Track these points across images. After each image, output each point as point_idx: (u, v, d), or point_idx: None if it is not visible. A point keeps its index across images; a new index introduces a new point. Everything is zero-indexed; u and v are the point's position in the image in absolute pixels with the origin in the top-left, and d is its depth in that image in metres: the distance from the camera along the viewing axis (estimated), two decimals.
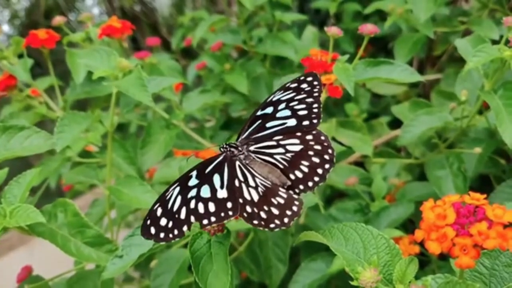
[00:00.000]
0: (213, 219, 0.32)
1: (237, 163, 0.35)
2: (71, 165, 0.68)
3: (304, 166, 0.35)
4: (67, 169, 0.73)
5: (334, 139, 0.64)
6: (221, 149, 0.37)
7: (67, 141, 0.44)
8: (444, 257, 0.57)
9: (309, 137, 0.36)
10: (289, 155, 0.36)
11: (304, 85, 0.37)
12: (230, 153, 0.36)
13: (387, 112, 0.86)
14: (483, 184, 0.69)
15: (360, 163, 0.75)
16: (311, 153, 0.35)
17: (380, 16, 0.97)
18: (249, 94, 0.82)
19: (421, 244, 0.29)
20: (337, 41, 0.93)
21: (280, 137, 0.36)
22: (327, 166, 0.35)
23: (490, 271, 0.34)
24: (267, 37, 0.82)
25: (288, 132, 0.36)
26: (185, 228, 0.31)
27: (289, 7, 0.94)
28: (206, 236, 0.34)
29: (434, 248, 0.28)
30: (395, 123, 0.78)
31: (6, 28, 2.12)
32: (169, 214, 0.31)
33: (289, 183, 0.34)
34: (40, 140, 0.43)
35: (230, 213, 0.32)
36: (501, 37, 0.49)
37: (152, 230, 0.31)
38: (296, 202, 0.33)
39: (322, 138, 0.36)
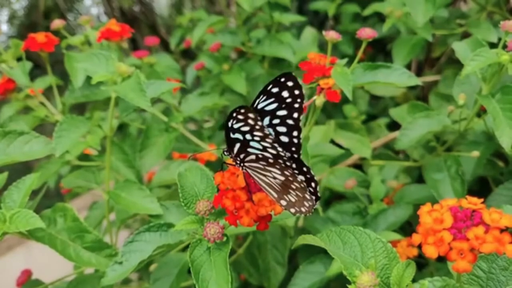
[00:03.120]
0: None
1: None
2: (70, 168, 0.68)
3: (292, 195, 0.33)
4: (67, 170, 0.73)
5: (332, 141, 0.64)
6: (225, 153, 0.35)
7: (66, 146, 0.44)
8: (442, 259, 0.58)
9: (288, 172, 0.32)
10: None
11: (285, 93, 0.32)
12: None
13: (385, 114, 0.87)
14: (482, 186, 0.70)
15: (358, 166, 0.75)
16: (293, 186, 0.32)
17: (379, 17, 0.97)
18: (247, 95, 0.82)
19: (419, 246, 0.30)
20: (336, 43, 0.92)
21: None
22: (308, 204, 0.32)
23: (487, 275, 0.34)
24: (265, 38, 0.82)
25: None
26: None
27: (287, 8, 0.94)
28: (205, 243, 0.34)
29: (431, 252, 0.29)
30: (394, 125, 0.78)
31: (4, 28, 2.12)
32: None
33: (288, 199, 0.33)
34: (40, 145, 0.43)
35: None
36: (500, 39, 0.49)
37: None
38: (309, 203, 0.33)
39: (304, 169, 0.33)
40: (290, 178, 0.32)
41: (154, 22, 1.77)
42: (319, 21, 1.16)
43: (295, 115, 0.33)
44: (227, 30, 0.89)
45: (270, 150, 0.32)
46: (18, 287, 0.51)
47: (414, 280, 0.32)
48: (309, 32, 0.89)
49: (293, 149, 0.33)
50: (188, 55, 1.29)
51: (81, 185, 0.56)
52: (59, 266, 0.56)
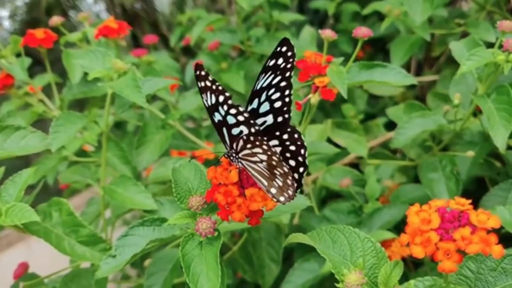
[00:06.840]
0: None
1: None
2: (68, 164, 0.69)
3: (278, 178, 0.33)
4: (65, 167, 0.74)
5: (329, 140, 0.64)
6: (226, 154, 0.36)
7: (62, 141, 0.45)
8: None
9: (285, 136, 0.35)
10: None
11: (280, 60, 0.34)
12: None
13: (384, 113, 0.86)
14: (479, 186, 0.69)
15: (356, 165, 0.75)
16: (288, 155, 0.34)
17: (379, 16, 0.97)
18: (246, 93, 0.82)
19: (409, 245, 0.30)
20: (336, 42, 0.92)
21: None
22: (301, 169, 0.34)
23: (476, 275, 0.34)
24: (264, 37, 0.82)
25: (269, 132, 0.35)
26: None
27: (287, 6, 0.94)
28: (197, 237, 0.34)
29: (418, 252, 0.29)
30: (392, 125, 0.78)
31: (7, 24, 2.13)
32: None
33: (276, 185, 0.33)
34: (36, 140, 0.43)
35: None
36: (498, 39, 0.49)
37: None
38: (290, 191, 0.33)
39: (296, 136, 0.35)
40: (269, 153, 0.33)
41: (155, 19, 1.77)
42: (319, 20, 1.16)
43: (287, 74, 0.34)
44: (226, 28, 0.89)
45: (239, 117, 0.33)
46: (15, 280, 0.52)
47: (408, 279, 0.33)
48: (308, 31, 0.89)
49: (285, 109, 0.34)
50: (189, 52, 1.30)
51: (77, 180, 0.56)
52: (58, 263, 0.56)
